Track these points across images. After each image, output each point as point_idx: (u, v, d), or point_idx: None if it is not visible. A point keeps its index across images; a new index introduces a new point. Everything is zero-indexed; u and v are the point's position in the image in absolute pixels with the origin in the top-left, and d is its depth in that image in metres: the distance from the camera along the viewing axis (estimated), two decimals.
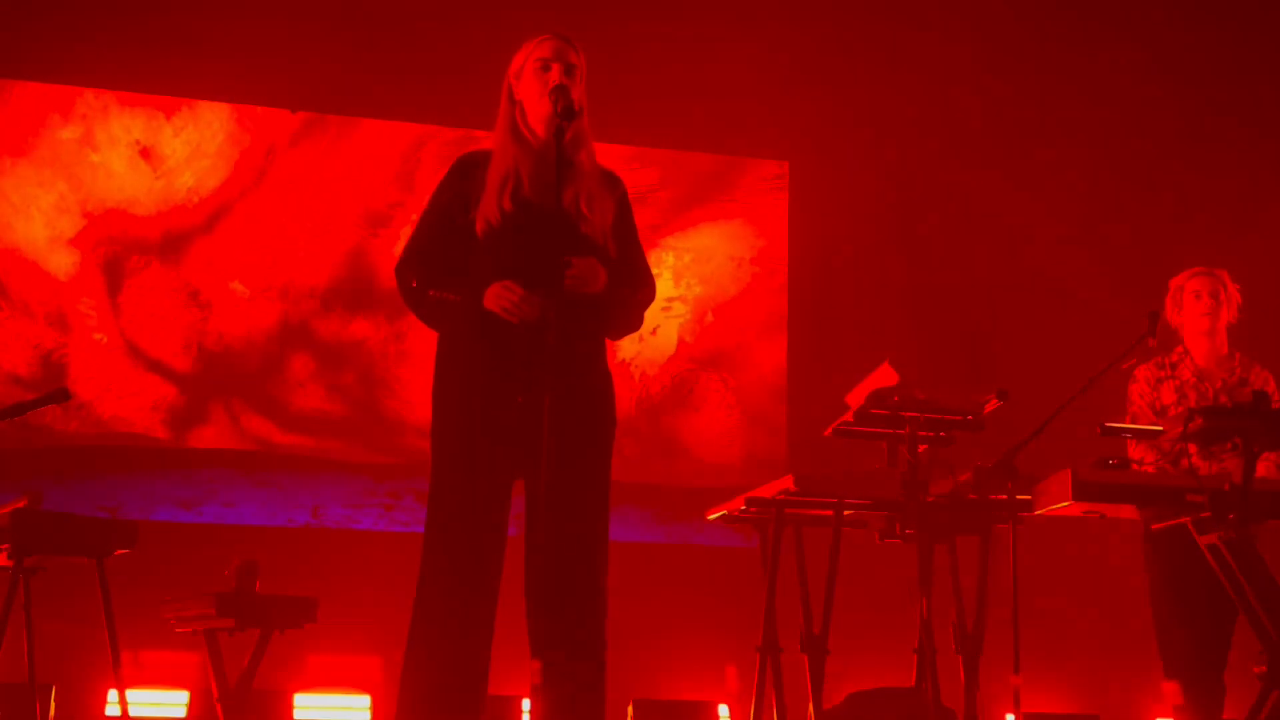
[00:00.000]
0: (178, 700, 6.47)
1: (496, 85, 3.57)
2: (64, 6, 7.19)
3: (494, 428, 3.35)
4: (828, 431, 4.75)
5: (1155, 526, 4.30)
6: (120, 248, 7.24)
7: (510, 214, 3.38)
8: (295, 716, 6.24)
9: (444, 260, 3.46)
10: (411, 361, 7.38)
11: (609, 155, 3.61)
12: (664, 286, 7.57)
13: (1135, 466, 4.44)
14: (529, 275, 3.27)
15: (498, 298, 3.29)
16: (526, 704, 5.95)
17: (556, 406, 3.00)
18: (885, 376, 4.45)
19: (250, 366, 7.32)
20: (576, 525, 3.33)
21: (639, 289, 3.55)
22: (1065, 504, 3.97)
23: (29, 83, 7.24)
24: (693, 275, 7.90)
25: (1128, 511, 4.08)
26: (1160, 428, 4.23)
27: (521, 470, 3.36)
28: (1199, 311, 4.71)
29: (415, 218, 3.62)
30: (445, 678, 3.32)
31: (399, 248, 3.70)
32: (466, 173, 3.51)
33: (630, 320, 3.60)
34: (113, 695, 5.76)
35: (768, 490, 4.71)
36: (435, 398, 3.49)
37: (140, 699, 6.27)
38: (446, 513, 3.39)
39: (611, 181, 3.55)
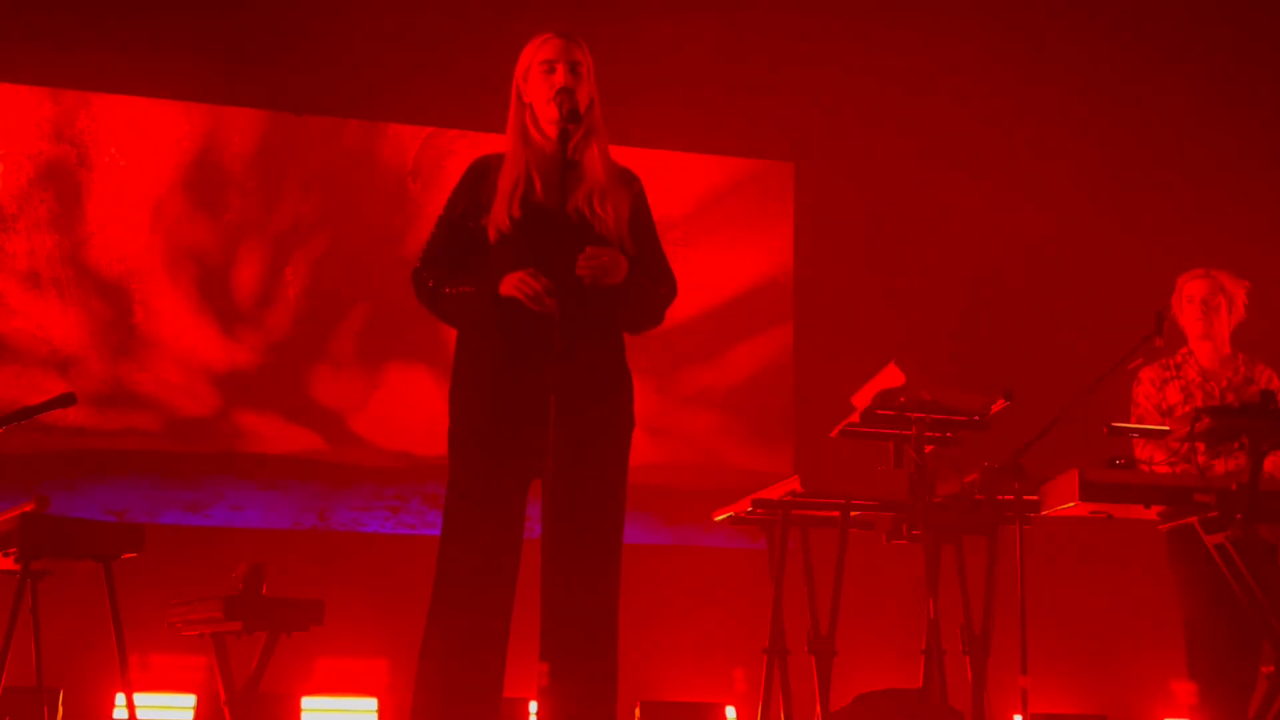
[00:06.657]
0: (185, 703, 6.48)
1: (501, 85, 3.55)
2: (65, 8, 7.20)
3: (511, 428, 3.33)
4: (834, 433, 4.75)
5: (1163, 527, 4.29)
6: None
7: (520, 220, 3.36)
8: (303, 719, 6.25)
9: (460, 263, 3.44)
10: (420, 364, 7.38)
11: (613, 155, 3.59)
12: None
13: (1144, 467, 4.42)
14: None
15: (520, 283, 3.22)
16: (534, 706, 5.95)
17: (573, 408, 2.98)
18: (891, 377, 4.44)
19: (260, 369, 7.32)
20: (590, 528, 3.31)
21: (659, 283, 3.51)
22: (1072, 504, 3.97)
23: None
24: (697, 277, 7.89)
25: (1135, 512, 4.08)
26: (1167, 428, 4.22)
27: (539, 471, 3.29)
28: (1191, 316, 4.75)
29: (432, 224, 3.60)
30: (460, 681, 3.29)
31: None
32: (479, 178, 3.48)
33: (651, 313, 3.52)
34: (120, 699, 5.78)
35: (774, 491, 4.71)
36: (451, 398, 3.46)
37: (148, 702, 6.27)
38: (463, 514, 3.35)
39: (626, 179, 3.52)
